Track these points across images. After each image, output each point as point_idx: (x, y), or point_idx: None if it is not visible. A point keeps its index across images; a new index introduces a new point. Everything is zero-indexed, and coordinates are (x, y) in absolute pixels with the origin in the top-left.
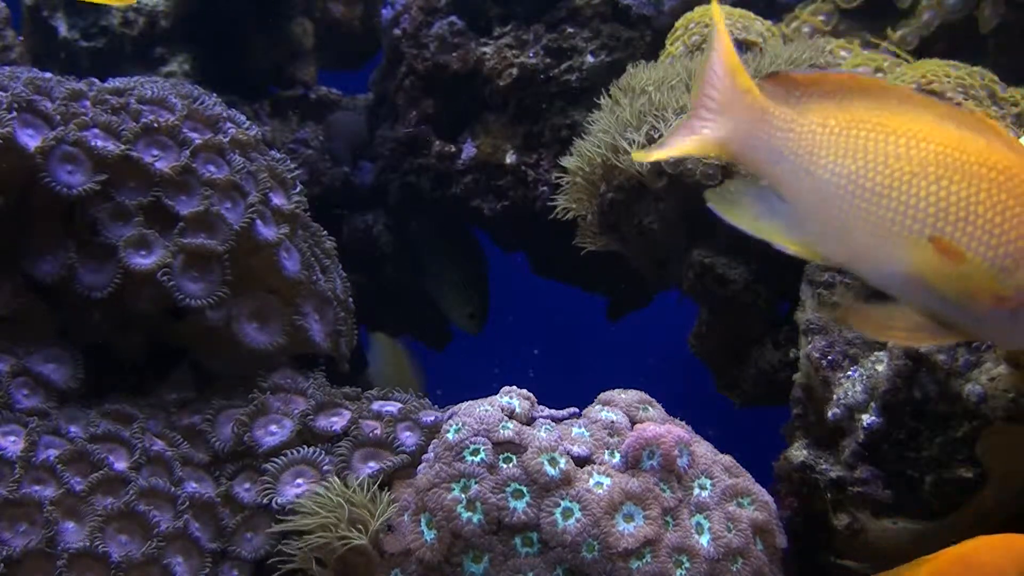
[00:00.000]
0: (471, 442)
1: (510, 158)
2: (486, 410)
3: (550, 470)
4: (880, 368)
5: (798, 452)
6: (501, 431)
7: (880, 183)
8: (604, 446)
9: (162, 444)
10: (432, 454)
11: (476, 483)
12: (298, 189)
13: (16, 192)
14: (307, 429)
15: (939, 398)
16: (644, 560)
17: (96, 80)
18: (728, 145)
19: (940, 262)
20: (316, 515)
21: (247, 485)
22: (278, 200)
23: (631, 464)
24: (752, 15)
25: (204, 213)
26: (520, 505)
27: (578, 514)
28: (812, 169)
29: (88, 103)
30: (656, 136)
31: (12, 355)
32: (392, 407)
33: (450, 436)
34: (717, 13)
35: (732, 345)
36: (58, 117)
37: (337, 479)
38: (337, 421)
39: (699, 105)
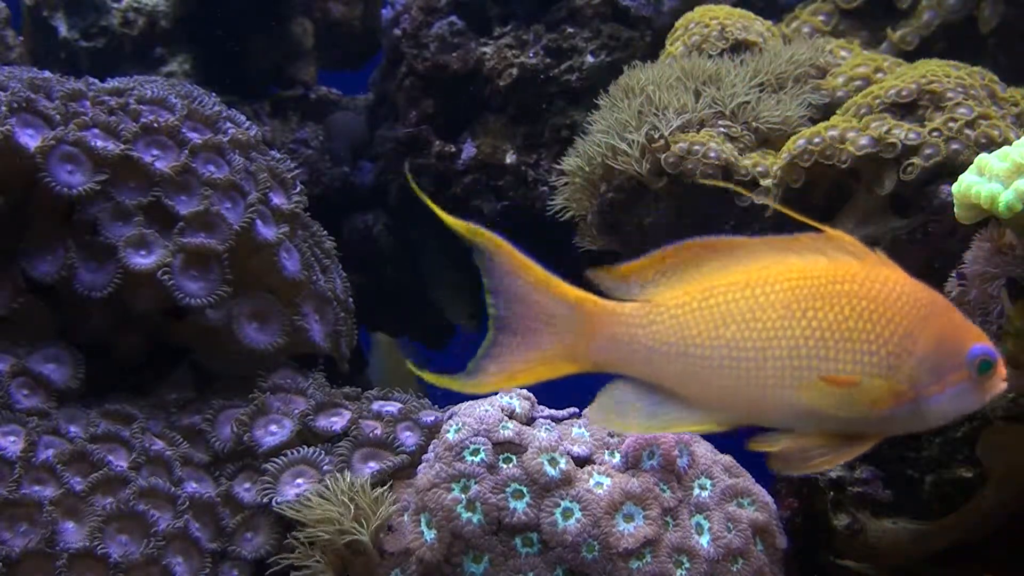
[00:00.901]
0: (471, 442)
1: (510, 158)
2: (486, 410)
3: (550, 470)
4: None
5: None
6: (501, 431)
7: (756, 341)
8: (604, 446)
9: (162, 444)
10: (432, 454)
11: (476, 483)
12: (298, 189)
13: (16, 192)
14: (307, 429)
15: None
16: (644, 560)
17: (96, 80)
18: (589, 361)
19: (834, 393)
20: (321, 506)
21: (247, 485)
22: (278, 200)
23: (631, 464)
24: (752, 15)
25: (204, 213)
26: (520, 505)
27: (578, 514)
28: (687, 351)
29: (88, 103)
30: (656, 136)
31: (12, 355)
32: (392, 407)
33: (450, 436)
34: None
35: None
36: (58, 117)
37: (341, 477)
38: (337, 421)
39: (536, 335)
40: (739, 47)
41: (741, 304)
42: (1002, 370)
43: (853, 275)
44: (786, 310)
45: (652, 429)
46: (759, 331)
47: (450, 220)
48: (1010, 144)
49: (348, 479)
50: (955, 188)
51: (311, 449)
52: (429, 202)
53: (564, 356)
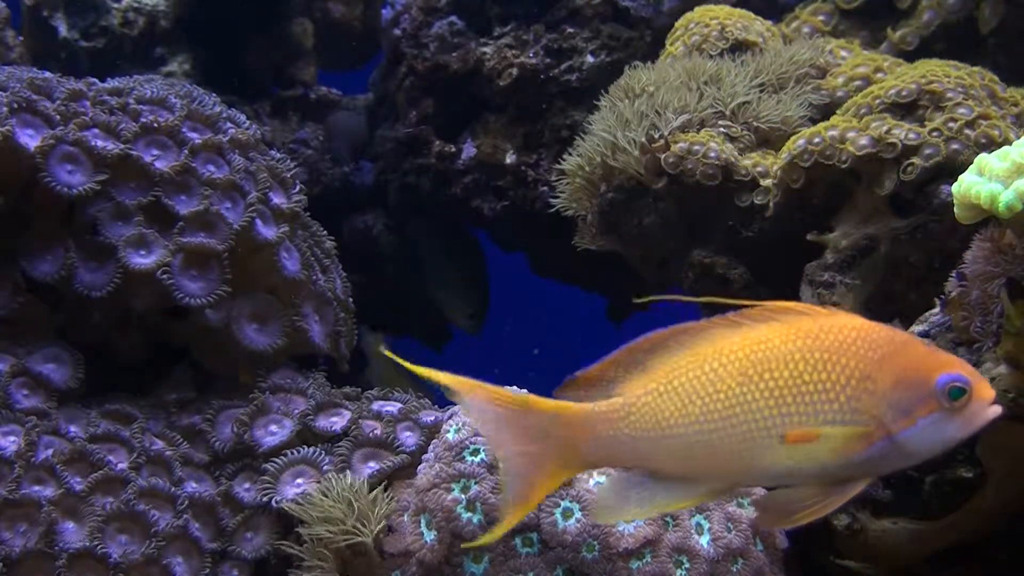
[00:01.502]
0: (471, 442)
1: (510, 158)
2: None
3: None
4: None
5: None
6: None
7: (720, 411)
8: None
9: (162, 444)
10: (432, 454)
11: (476, 483)
12: (298, 189)
13: (16, 192)
14: (307, 429)
15: None
16: (644, 560)
17: (96, 80)
18: (583, 463)
19: (802, 448)
20: (324, 504)
21: (247, 485)
22: (278, 200)
23: None
24: (752, 15)
25: (204, 212)
26: None
27: (578, 514)
28: (664, 434)
29: (88, 103)
30: (656, 136)
31: (12, 355)
32: (392, 407)
33: (450, 436)
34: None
35: None
36: (58, 117)
37: (342, 478)
38: (337, 421)
39: (530, 456)
40: (739, 47)
41: (702, 379)
42: (984, 393)
43: (806, 331)
44: (743, 377)
45: (652, 512)
46: (721, 402)
47: (429, 373)
48: (1010, 144)
49: (349, 479)
50: (955, 188)
51: (311, 449)
52: (413, 367)
53: (560, 465)
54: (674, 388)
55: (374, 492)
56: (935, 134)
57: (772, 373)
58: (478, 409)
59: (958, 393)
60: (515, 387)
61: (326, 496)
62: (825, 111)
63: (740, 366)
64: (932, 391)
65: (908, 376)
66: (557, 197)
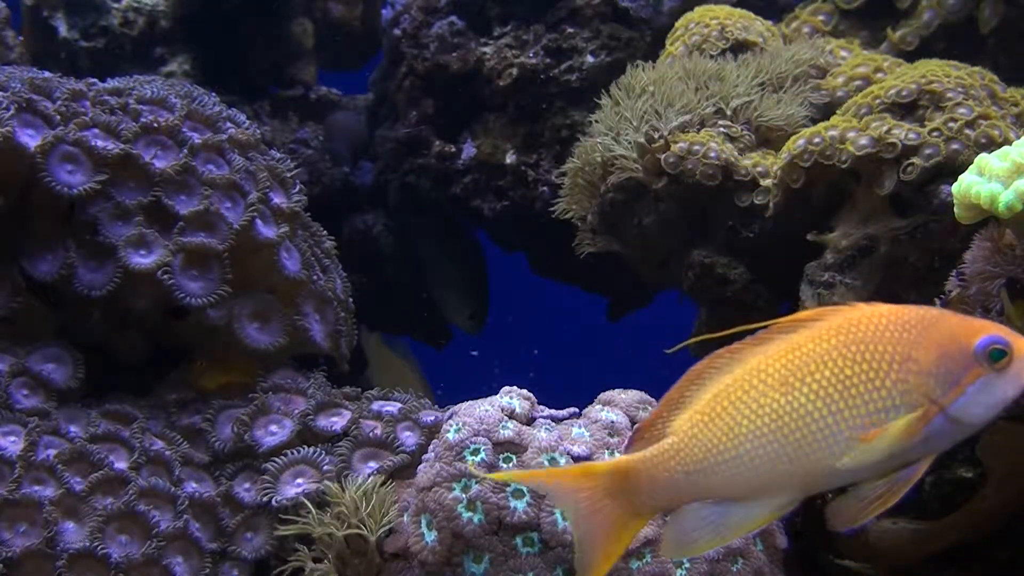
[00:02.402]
0: (471, 442)
1: (510, 158)
2: (486, 410)
3: None
4: None
5: None
6: (501, 431)
7: (770, 425)
8: (604, 446)
9: (162, 444)
10: (432, 454)
11: (477, 483)
12: (298, 188)
13: (16, 192)
14: (307, 429)
15: None
16: (644, 560)
17: (96, 80)
18: (651, 509)
19: (870, 445)
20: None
21: (247, 485)
22: (278, 199)
23: None
24: (752, 15)
25: (204, 212)
26: (520, 505)
27: None
28: (719, 461)
29: (88, 103)
30: (656, 136)
31: (12, 355)
32: (392, 407)
33: (450, 436)
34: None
35: None
36: (58, 117)
37: (342, 479)
38: (337, 421)
39: (600, 515)
40: (739, 47)
41: (744, 398)
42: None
43: (836, 329)
44: (785, 386)
45: (725, 540)
46: (768, 415)
47: (518, 476)
48: (1010, 144)
49: (349, 481)
50: (955, 188)
51: (311, 449)
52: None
53: (630, 516)
54: (717, 414)
55: (376, 491)
56: (935, 134)
57: (813, 375)
58: (554, 493)
59: (999, 355)
60: (515, 387)
61: (333, 496)
62: (825, 111)
63: (779, 376)
64: (974, 357)
65: (947, 348)
66: (558, 197)
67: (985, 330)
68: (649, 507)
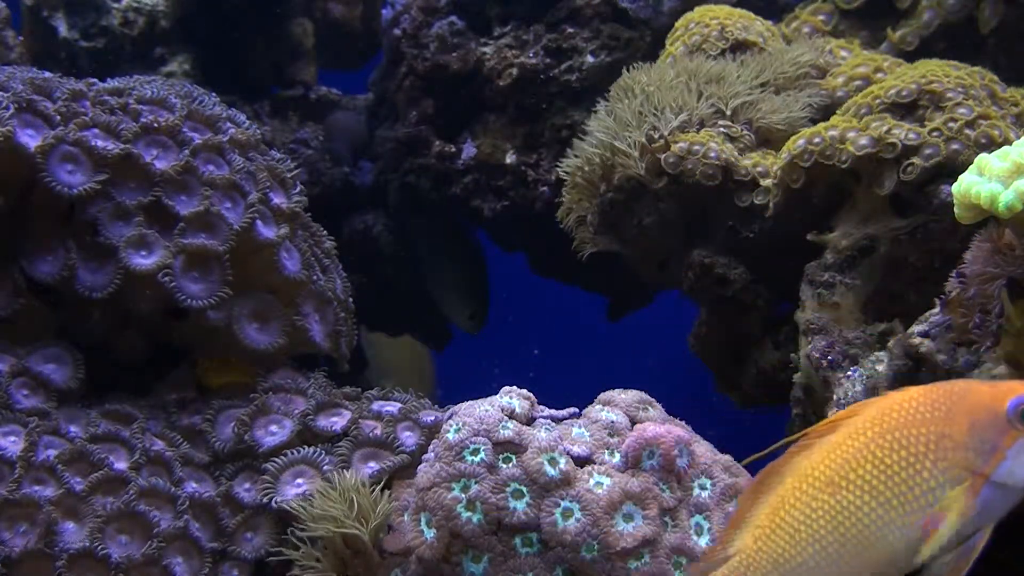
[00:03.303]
0: (471, 442)
1: (510, 158)
2: (486, 410)
3: (550, 470)
4: (880, 368)
5: None
6: (501, 431)
7: (826, 527)
8: (604, 446)
9: (162, 444)
10: (432, 454)
11: (476, 483)
12: (298, 189)
13: (16, 192)
14: (307, 429)
15: None
16: (643, 560)
17: (96, 80)
18: None
19: (935, 537)
20: (323, 502)
21: (247, 485)
22: (278, 200)
23: (631, 464)
24: (752, 15)
25: (204, 213)
26: (520, 505)
27: (578, 514)
28: (787, 569)
29: (88, 103)
30: (656, 136)
31: (12, 355)
32: (392, 407)
33: (450, 436)
34: None
35: (732, 345)
36: (58, 117)
37: (341, 476)
38: (337, 421)
39: None
40: (739, 47)
41: (798, 505)
42: None
43: (868, 423)
44: (833, 487)
45: None
46: (823, 517)
47: None
48: (1010, 144)
49: (349, 477)
50: (955, 188)
51: (311, 449)
52: None
53: None
54: (777, 525)
55: (374, 491)
56: (935, 134)
57: (856, 472)
58: None
59: None
60: (515, 387)
61: (326, 495)
62: (825, 111)
63: (825, 478)
64: (1007, 421)
65: (979, 417)
66: (558, 197)
67: (1013, 392)
68: None
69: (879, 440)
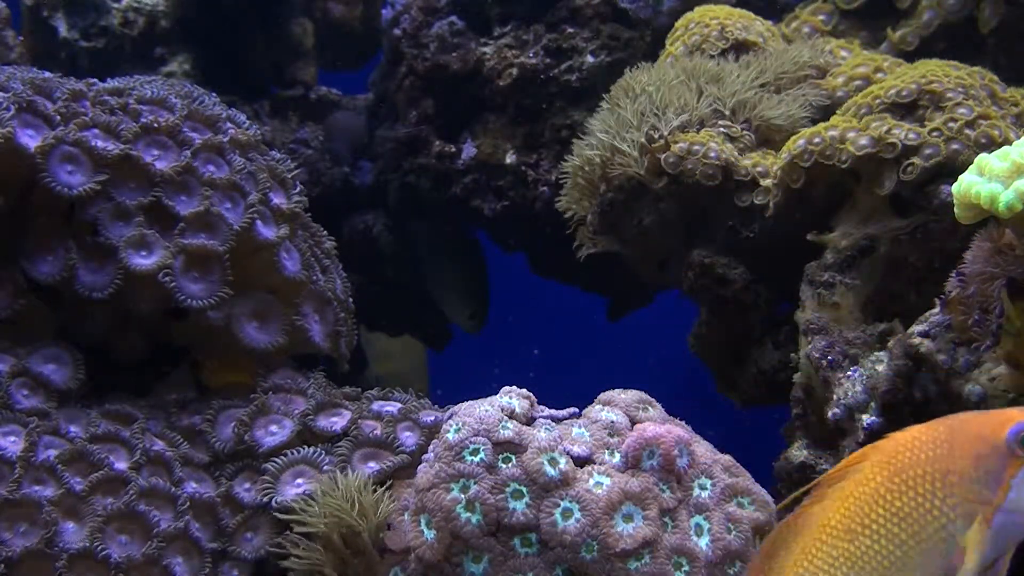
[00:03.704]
0: (471, 442)
1: (510, 158)
2: (486, 410)
3: (550, 470)
4: (880, 368)
5: (798, 452)
6: (501, 431)
7: (847, 571)
8: (604, 446)
9: (162, 444)
10: (432, 454)
11: (475, 483)
12: (298, 189)
13: (16, 192)
14: (307, 429)
15: (939, 398)
16: (643, 561)
17: (96, 80)
18: None
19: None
20: (324, 501)
21: (247, 485)
22: (278, 200)
23: (631, 464)
24: (752, 15)
25: (204, 213)
26: (520, 505)
27: (577, 514)
28: None
29: (88, 103)
30: (656, 136)
31: (12, 355)
32: (392, 407)
33: (450, 436)
34: None
35: (732, 345)
36: (58, 117)
37: (341, 476)
38: (337, 421)
39: None
40: (739, 47)
41: (820, 554)
42: None
43: (874, 468)
44: (850, 534)
45: None
46: (846, 563)
47: None
48: (1010, 144)
49: (348, 477)
50: (955, 188)
51: (311, 449)
52: None
53: None
54: (801, 574)
55: (376, 491)
56: (935, 134)
57: (870, 516)
58: None
59: None
60: (515, 387)
61: (329, 492)
62: (825, 111)
63: (842, 526)
64: (1008, 450)
65: (979, 450)
66: (558, 197)
67: (1011, 420)
68: None
69: (888, 484)
